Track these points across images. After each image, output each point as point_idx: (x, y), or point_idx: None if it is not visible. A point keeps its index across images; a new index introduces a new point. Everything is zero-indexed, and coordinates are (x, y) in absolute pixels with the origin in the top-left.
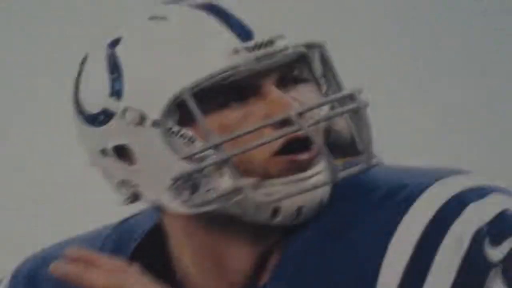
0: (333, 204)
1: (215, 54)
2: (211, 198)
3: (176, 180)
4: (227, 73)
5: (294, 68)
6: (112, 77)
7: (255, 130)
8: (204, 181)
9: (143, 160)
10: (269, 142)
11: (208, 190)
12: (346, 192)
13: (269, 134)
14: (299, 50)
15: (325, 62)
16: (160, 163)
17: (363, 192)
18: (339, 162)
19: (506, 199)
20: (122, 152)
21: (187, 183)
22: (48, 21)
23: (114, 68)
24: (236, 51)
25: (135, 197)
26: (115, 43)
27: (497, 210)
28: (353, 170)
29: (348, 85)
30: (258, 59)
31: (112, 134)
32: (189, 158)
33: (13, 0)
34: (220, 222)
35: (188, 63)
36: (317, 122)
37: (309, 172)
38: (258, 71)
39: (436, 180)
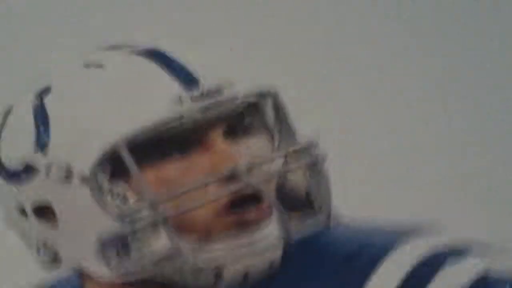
0: (286, 268)
1: (155, 103)
2: (145, 264)
3: (104, 243)
4: (168, 124)
5: (244, 117)
6: (38, 130)
7: (197, 187)
8: (137, 244)
9: (68, 221)
10: (212, 201)
11: (141, 255)
12: (300, 254)
13: (213, 190)
14: (250, 100)
15: (278, 111)
16: (87, 224)
17: (320, 254)
18: (293, 220)
19: (486, 262)
20: (43, 212)
21: (117, 246)
22: None
23: (41, 120)
24: (179, 100)
25: (56, 261)
26: (44, 92)
27: (475, 276)
28: (309, 229)
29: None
30: (203, 109)
31: (35, 193)
32: (121, 218)
33: None
34: None
35: (124, 112)
36: (268, 178)
37: (257, 234)
38: (203, 122)
39: (403, 238)
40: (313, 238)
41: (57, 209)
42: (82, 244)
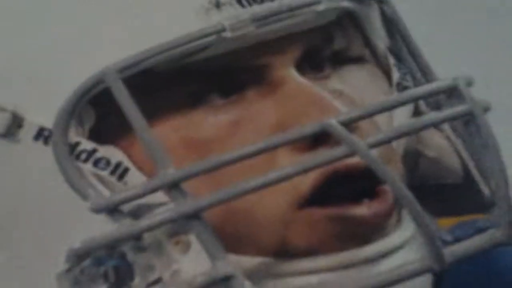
0: None
1: (174, 9)
2: None
3: (78, 259)
4: (198, 42)
5: (333, 39)
6: None
7: (261, 152)
8: (144, 262)
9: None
10: (290, 177)
11: (152, 282)
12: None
13: (287, 162)
14: (341, 5)
15: (394, 26)
16: (43, 226)
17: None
18: (443, 226)
19: None
20: None
21: (106, 267)
22: None
23: None
24: (216, 4)
25: None
26: None
27: None
28: (477, 245)
29: None
30: (258, 20)
31: None
32: (112, 210)
33: None
34: None
35: (121, 26)
36: (388, 140)
37: (378, 246)
38: (259, 45)
39: None
40: (478, 260)
41: None
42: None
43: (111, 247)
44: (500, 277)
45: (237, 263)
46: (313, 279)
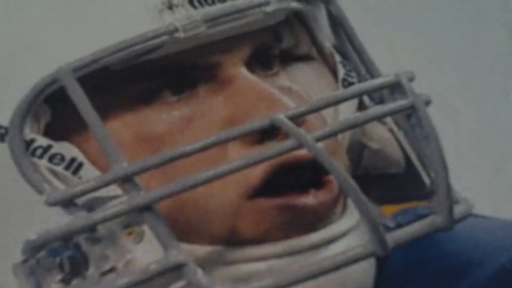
0: None
1: (129, 10)
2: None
3: (34, 251)
4: (151, 42)
5: (282, 38)
6: None
7: (211, 146)
8: (98, 252)
9: None
10: (239, 170)
11: (106, 271)
12: (400, 270)
13: (236, 155)
14: (289, 6)
15: (339, 24)
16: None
17: (428, 269)
18: (385, 213)
19: None
20: None
21: (61, 258)
22: None
23: None
24: (169, 6)
25: None
26: None
27: None
28: (418, 230)
29: None
30: (210, 21)
31: None
32: (67, 203)
33: None
34: None
35: (75, 26)
36: (333, 133)
37: (323, 233)
38: (211, 43)
39: None
40: (419, 245)
41: None
42: None
43: (66, 238)
44: (438, 261)
45: (190, 251)
46: (262, 265)
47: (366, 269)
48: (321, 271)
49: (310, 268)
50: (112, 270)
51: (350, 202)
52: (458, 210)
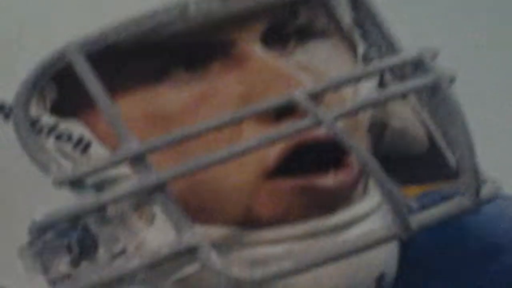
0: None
1: None
2: (126, 272)
3: (41, 232)
4: (162, 18)
5: (298, 14)
6: None
7: (226, 125)
8: (108, 234)
9: None
10: (255, 150)
11: (117, 254)
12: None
13: (251, 135)
14: None
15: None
16: (8, 199)
17: (456, 251)
18: (409, 195)
19: None
20: None
21: (68, 239)
22: None
23: None
24: None
25: None
26: None
27: None
28: (444, 212)
29: None
30: None
31: None
32: (75, 183)
33: None
34: None
35: (84, 3)
36: (353, 112)
37: (343, 215)
38: (225, 19)
39: None
40: (444, 228)
41: None
42: None
43: (75, 219)
44: (464, 245)
45: (203, 233)
46: (279, 248)
47: (388, 253)
48: (342, 254)
49: (330, 251)
50: (122, 252)
51: (371, 183)
52: (485, 191)
